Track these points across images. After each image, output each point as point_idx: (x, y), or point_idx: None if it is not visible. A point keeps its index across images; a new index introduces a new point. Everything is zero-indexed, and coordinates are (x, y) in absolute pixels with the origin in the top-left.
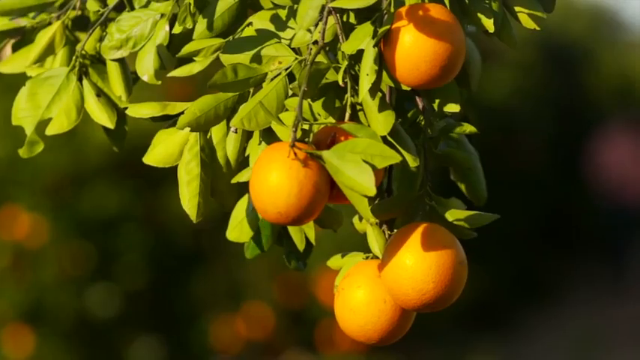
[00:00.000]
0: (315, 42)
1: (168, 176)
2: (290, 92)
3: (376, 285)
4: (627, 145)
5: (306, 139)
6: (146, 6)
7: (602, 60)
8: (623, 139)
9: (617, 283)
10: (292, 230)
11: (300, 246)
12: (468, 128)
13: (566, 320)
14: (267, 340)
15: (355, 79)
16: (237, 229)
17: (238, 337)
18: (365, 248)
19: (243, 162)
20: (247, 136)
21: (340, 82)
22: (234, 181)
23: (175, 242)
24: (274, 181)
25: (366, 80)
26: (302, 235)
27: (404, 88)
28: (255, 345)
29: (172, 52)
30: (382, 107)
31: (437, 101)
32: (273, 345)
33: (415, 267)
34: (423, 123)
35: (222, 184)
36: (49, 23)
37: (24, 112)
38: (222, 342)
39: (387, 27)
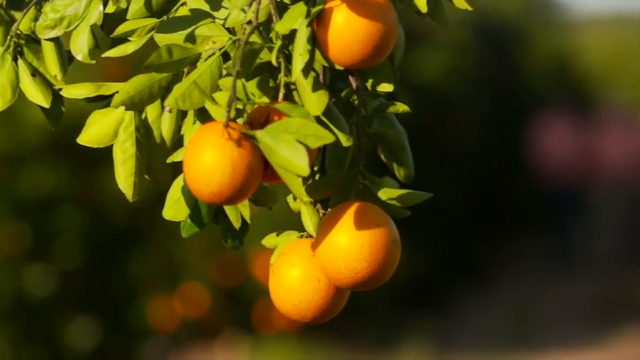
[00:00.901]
0: (249, 22)
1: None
2: (224, 72)
3: (310, 264)
4: (563, 125)
5: (240, 119)
6: None
7: (537, 41)
8: (559, 118)
9: (551, 263)
10: (228, 209)
11: (236, 224)
12: (401, 107)
13: (500, 300)
14: (204, 319)
15: (289, 59)
16: (174, 208)
17: (175, 317)
18: (300, 227)
19: (178, 141)
20: (182, 115)
21: (274, 62)
22: (169, 160)
23: (113, 222)
24: (208, 160)
25: (299, 60)
26: (237, 213)
27: (337, 67)
28: (191, 324)
29: (107, 32)
30: (315, 87)
31: (370, 81)
32: (210, 324)
33: (348, 246)
34: (356, 102)
35: (158, 163)
36: None
37: None
38: (160, 321)
39: (320, 7)
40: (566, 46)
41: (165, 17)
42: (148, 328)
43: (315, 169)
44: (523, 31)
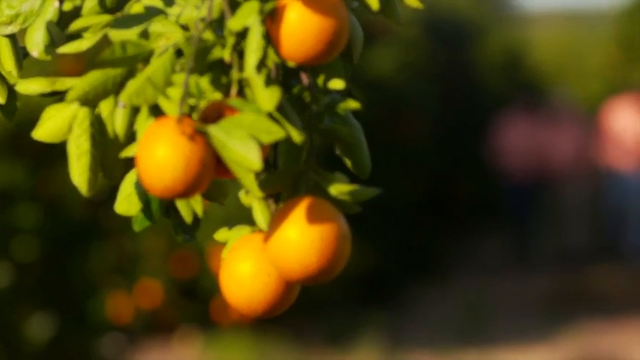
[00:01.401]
0: (203, 19)
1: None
2: (177, 68)
3: (261, 258)
4: (516, 120)
5: (193, 115)
6: None
7: (490, 36)
8: (512, 114)
9: (504, 258)
10: (180, 203)
11: (188, 219)
12: (353, 104)
13: (453, 295)
14: (161, 313)
15: (241, 56)
16: (126, 203)
17: (132, 311)
18: (253, 221)
19: (132, 136)
20: (135, 111)
21: (226, 59)
22: (122, 155)
23: (70, 216)
24: (160, 155)
25: (251, 57)
26: (189, 208)
27: (290, 64)
28: (148, 318)
29: (62, 28)
30: (268, 83)
31: (322, 77)
32: (167, 318)
33: (298, 240)
34: (308, 99)
35: (111, 158)
36: None
37: None
38: (117, 316)
39: (273, 4)
40: (518, 42)
41: (119, 14)
42: (105, 323)
43: (267, 164)
44: (476, 26)
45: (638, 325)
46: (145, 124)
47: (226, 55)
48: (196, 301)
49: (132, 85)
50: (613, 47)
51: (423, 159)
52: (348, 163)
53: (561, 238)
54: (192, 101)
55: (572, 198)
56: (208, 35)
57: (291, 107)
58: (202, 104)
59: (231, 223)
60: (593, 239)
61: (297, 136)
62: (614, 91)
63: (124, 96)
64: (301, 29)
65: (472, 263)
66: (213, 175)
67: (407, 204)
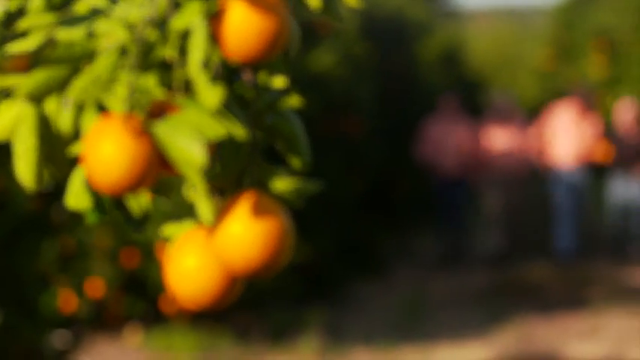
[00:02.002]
0: (147, 17)
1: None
2: (122, 66)
3: (205, 252)
4: (453, 116)
5: (138, 113)
6: None
7: (429, 32)
8: (449, 110)
9: (441, 254)
10: (128, 198)
11: (136, 213)
12: (293, 101)
13: (392, 291)
14: (111, 307)
15: (185, 54)
16: (76, 197)
17: (83, 305)
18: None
19: (78, 133)
20: (81, 108)
21: (170, 57)
22: (68, 152)
23: (19, 210)
24: (106, 152)
25: (194, 55)
26: (138, 202)
27: (233, 62)
28: (98, 312)
29: (8, 27)
30: (211, 81)
31: (263, 75)
32: (116, 312)
33: (242, 235)
34: (251, 96)
35: (58, 154)
36: None
37: None
38: (67, 310)
39: (216, 3)
40: (458, 39)
41: (65, 13)
42: (56, 316)
43: (211, 160)
44: (416, 24)
45: (571, 320)
46: (90, 121)
47: (170, 53)
48: (145, 295)
49: (77, 84)
50: (548, 44)
51: (362, 155)
52: (289, 159)
53: (496, 236)
54: (136, 99)
55: (506, 196)
56: (152, 34)
57: (234, 105)
58: (147, 102)
59: (175, 217)
60: (528, 236)
61: (240, 134)
62: (551, 89)
63: (70, 94)
64: (244, 28)
65: (411, 259)
66: (159, 171)
67: (347, 200)
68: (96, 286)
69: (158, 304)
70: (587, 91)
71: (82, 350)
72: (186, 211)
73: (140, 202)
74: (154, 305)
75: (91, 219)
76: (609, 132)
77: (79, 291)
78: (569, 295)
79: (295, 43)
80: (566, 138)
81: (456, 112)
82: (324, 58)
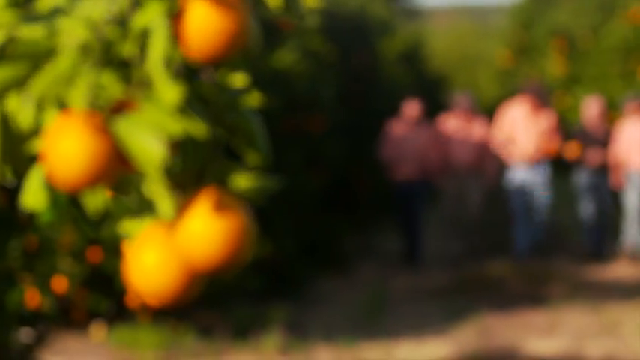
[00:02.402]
0: (109, 16)
1: None
2: (83, 64)
3: (166, 249)
4: (415, 115)
5: (99, 110)
6: None
7: (393, 31)
8: (411, 109)
9: (402, 252)
10: (87, 196)
11: (95, 211)
12: (254, 99)
13: (354, 287)
14: (77, 304)
15: (146, 52)
16: (33, 196)
17: (49, 302)
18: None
19: (38, 130)
20: (42, 105)
21: (131, 55)
22: (28, 149)
23: None
24: (66, 149)
25: (155, 53)
26: (96, 200)
27: (193, 61)
28: (65, 309)
29: None
30: (171, 80)
31: (224, 74)
32: (82, 310)
33: (203, 232)
34: (211, 95)
35: (19, 151)
36: None
37: None
38: (34, 306)
39: (177, 2)
40: (417, 36)
41: (26, 11)
42: (21, 314)
43: (171, 158)
44: (379, 22)
45: (530, 316)
46: (51, 118)
47: (131, 52)
48: (111, 292)
49: (38, 81)
50: (507, 42)
51: (324, 153)
52: (249, 156)
53: (456, 235)
54: (97, 97)
55: (466, 195)
56: (113, 32)
57: (195, 103)
58: (108, 100)
59: (138, 214)
60: (488, 234)
61: (200, 131)
62: (510, 87)
63: (31, 91)
64: (203, 28)
65: (372, 256)
66: (119, 169)
67: (309, 197)
68: (61, 283)
69: (123, 300)
70: (540, 87)
71: (47, 347)
72: (148, 208)
73: (98, 199)
74: (119, 302)
75: (47, 218)
76: (576, 129)
77: (45, 288)
78: (528, 292)
79: (257, 42)
80: (520, 135)
81: (417, 116)
82: (286, 57)
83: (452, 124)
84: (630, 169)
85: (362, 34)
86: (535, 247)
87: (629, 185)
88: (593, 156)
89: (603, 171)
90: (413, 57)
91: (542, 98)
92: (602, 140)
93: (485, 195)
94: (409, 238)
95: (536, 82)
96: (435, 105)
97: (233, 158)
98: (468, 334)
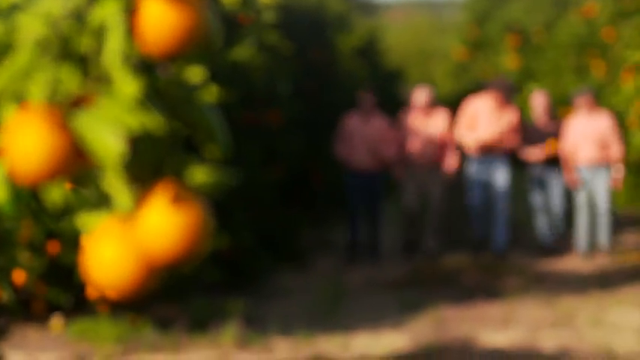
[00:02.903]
0: (67, 11)
1: None
2: (42, 59)
3: (124, 242)
4: (373, 113)
5: (57, 104)
6: None
7: (350, 25)
8: (367, 102)
9: (359, 247)
10: (46, 189)
11: (54, 204)
12: (211, 93)
13: (312, 280)
14: (36, 298)
15: (103, 47)
16: None
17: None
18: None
19: None
20: (0, 100)
21: (89, 50)
22: None
23: None
24: (25, 143)
25: (112, 48)
26: (56, 193)
27: (151, 56)
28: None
29: None
30: (129, 74)
31: (182, 68)
32: (42, 303)
33: (160, 225)
34: (169, 89)
35: None
36: None
37: None
38: None
39: None
40: (373, 31)
41: None
42: None
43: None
44: (333, 15)
45: (486, 309)
46: (10, 113)
47: (88, 46)
48: (70, 285)
49: None
50: (462, 37)
51: (281, 147)
52: (208, 149)
53: (413, 227)
54: (56, 91)
55: (426, 189)
56: (71, 28)
57: (153, 97)
58: (66, 94)
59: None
60: (446, 228)
61: (158, 125)
62: (465, 81)
63: None
64: (160, 23)
65: (329, 250)
66: (78, 163)
67: (266, 191)
68: (20, 276)
69: (82, 293)
70: (507, 84)
71: (5, 339)
72: (106, 202)
73: (58, 193)
74: (78, 295)
75: (8, 211)
76: (526, 124)
77: (5, 281)
78: (484, 285)
79: (216, 37)
80: (481, 130)
81: (371, 108)
82: (243, 51)
83: (411, 117)
84: (578, 164)
85: (319, 28)
86: (491, 241)
87: (578, 180)
88: (539, 151)
89: (553, 166)
90: (369, 51)
91: (508, 95)
92: (550, 135)
93: (445, 189)
94: (353, 231)
95: (504, 79)
96: (390, 99)
97: (192, 152)
98: (423, 327)
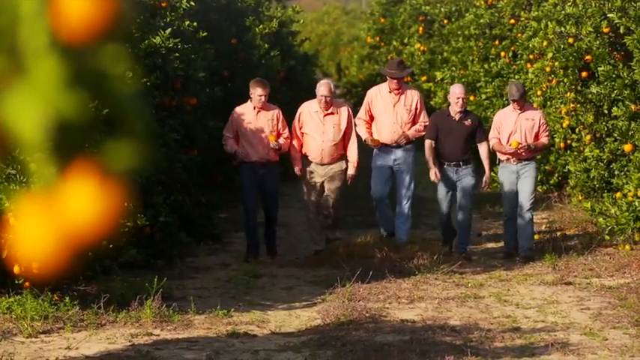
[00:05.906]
0: None
1: None
2: None
3: (46, 220)
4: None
5: None
6: None
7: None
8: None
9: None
10: None
11: None
12: (131, 77)
13: (229, 260)
14: None
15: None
16: None
17: None
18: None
19: None
20: None
21: (12, 35)
22: None
23: None
24: None
25: (34, 33)
26: None
27: (70, 39)
28: None
29: None
30: (50, 58)
31: (102, 52)
32: None
33: (81, 203)
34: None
35: None
36: None
37: None
38: None
39: None
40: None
41: None
42: None
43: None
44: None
45: (395, 287)
46: None
47: (11, 31)
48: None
49: None
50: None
51: (198, 129)
52: (128, 131)
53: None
54: None
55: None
56: None
57: (74, 80)
58: None
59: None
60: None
61: (78, 107)
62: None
63: None
64: (79, 9)
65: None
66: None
67: (185, 173)
68: None
69: (6, 271)
70: (401, 67)
71: None
72: (28, 181)
73: None
74: (2, 273)
75: None
76: (436, 117)
77: None
78: (393, 264)
79: (133, 22)
80: (382, 118)
81: (265, 97)
82: (160, 37)
83: (314, 109)
84: (501, 159)
85: (233, 15)
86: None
87: (501, 175)
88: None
89: (464, 161)
90: (281, 39)
91: (402, 78)
92: (461, 130)
93: (348, 178)
94: (247, 227)
95: (396, 61)
96: (299, 86)
97: (112, 133)
98: (335, 304)
